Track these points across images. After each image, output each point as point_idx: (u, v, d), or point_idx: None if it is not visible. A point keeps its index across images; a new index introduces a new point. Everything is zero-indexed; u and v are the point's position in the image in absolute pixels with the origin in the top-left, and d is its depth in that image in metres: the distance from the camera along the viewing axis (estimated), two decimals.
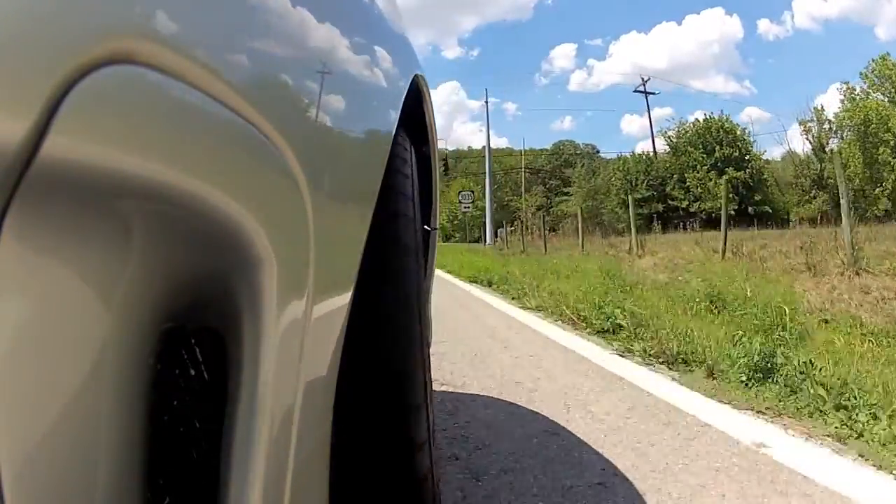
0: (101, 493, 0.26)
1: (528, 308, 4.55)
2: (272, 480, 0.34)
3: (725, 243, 7.18)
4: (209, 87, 0.27)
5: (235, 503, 0.31)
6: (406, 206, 0.62)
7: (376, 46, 0.58)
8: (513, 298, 5.27)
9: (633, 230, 10.03)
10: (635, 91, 39.87)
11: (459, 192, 32.14)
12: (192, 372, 0.33)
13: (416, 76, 0.77)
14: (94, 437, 0.25)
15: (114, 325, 0.26)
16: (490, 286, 6.61)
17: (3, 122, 0.18)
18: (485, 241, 27.30)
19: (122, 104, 0.22)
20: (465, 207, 29.27)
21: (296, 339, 0.36)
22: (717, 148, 29.45)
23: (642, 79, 39.74)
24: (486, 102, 32.27)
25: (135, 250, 0.27)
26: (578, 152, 46.94)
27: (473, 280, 7.47)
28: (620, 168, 32.38)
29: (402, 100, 0.65)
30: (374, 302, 0.54)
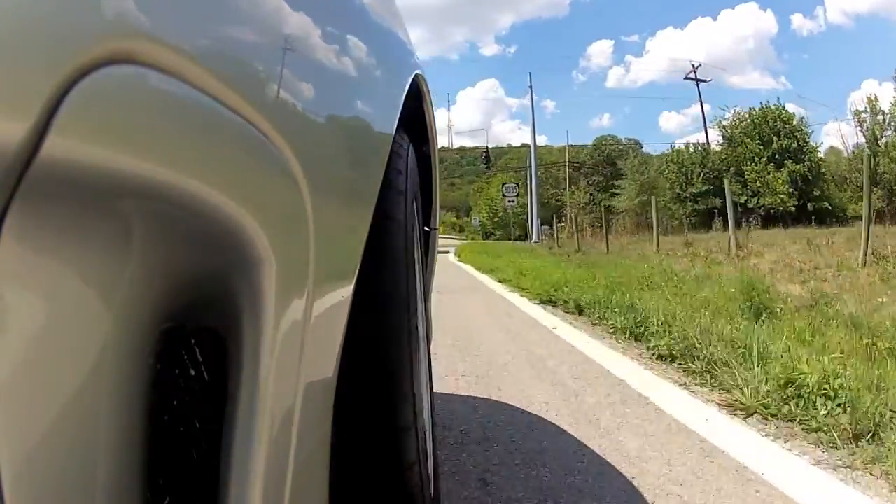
0: (101, 493, 0.26)
1: (740, 408, 1.82)
2: (272, 480, 0.34)
3: (867, 244, 5.74)
4: (209, 87, 0.27)
5: (235, 503, 0.31)
6: (401, 208, 0.63)
7: (375, 47, 0.58)
8: (664, 359, 2.46)
9: (730, 224, 8.19)
10: (686, 78, 37.22)
11: (503, 185, 30.49)
12: (192, 372, 0.33)
13: (416, 76, 0.77)
14: (94, 437, 0.25)
15: (114, 325, 0.26)
16: (581, 314, 3.83)
17: (3, 122, 0.18)
18: (530, 238, 25.46)
19: (122, 104, 0.22)
20: (509, 201, 27.21)
21: (296, 339, 0.36)
22: (775, 139, 26.31)
23: (692, 65, 37.13)
24: (531, 88, 29.68)
25: (135, 250, 0.27)
26: (621, 147, 44.25)
27: (549, 300, 4.45)
28: (674, 160, 29.03)
29: (402, 99, 0.66)
30: (369, 301, 0.55)
